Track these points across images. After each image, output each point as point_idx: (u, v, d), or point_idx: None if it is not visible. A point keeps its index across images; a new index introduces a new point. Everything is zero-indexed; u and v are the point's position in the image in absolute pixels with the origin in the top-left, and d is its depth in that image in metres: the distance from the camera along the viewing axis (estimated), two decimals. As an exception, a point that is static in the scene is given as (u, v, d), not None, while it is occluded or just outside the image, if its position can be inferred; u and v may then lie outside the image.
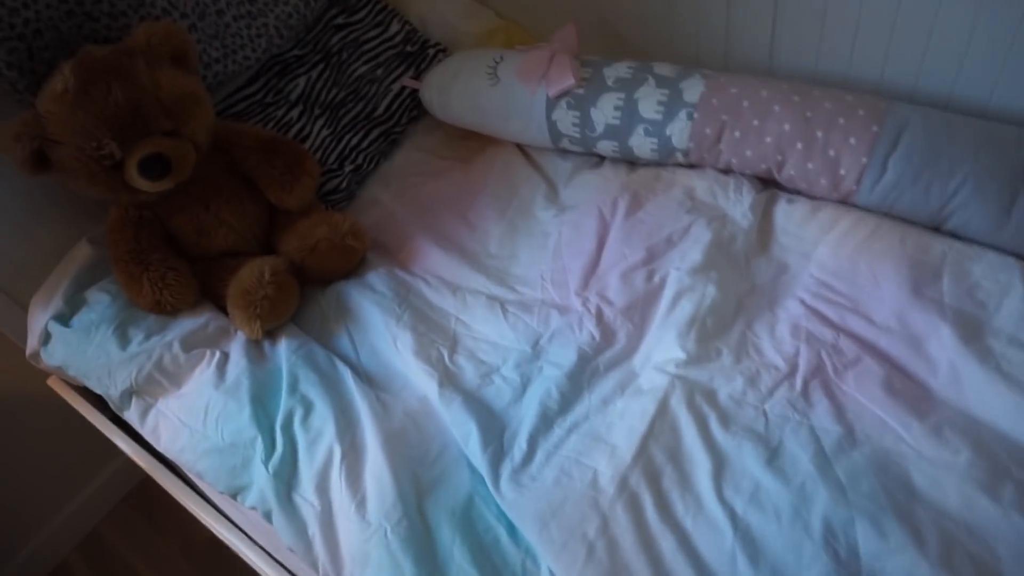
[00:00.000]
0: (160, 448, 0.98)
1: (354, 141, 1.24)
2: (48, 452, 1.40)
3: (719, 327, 0.91)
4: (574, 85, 1.08)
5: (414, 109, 1.30)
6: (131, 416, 1.00)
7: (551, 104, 1.10)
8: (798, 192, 1.04)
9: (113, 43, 0.99)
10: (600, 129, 1.08)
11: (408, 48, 1.30)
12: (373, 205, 1.22)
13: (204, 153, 1.03)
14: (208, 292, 1.08)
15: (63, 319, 1.05)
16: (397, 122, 1.28)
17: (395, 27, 1.30)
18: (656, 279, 0.97)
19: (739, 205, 1.03)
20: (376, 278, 1.08)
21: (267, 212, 1.13)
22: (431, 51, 1.32)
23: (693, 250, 0.98)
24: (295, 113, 1.21)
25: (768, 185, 1.06)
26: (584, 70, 1.10)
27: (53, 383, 1.12)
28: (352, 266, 1.10)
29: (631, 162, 1.14)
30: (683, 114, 1.02)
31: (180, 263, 1.05)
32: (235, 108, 1.18)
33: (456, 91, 1.18)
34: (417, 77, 1.30)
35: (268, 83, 1.20)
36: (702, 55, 1.20)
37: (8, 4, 0.91)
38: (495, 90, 1.14)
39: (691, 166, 1.09)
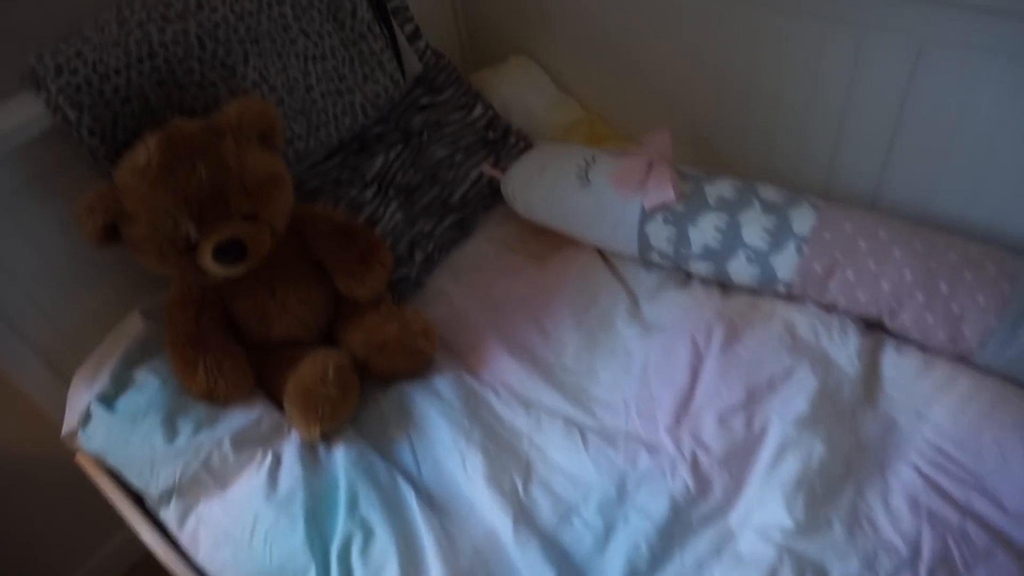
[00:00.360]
0: (198, 559, 0.88)
1: (427, 228, 1.18)
2: (55, 520, 1.30)
3: (828, 492, 0.83)
4: (673, 200, 1.01)
5: (489, 197, 1.24)
6: (168, 517, 0.91)
7: (645, 216, 1.04)
8: (907, 339, 0.96)
9: (200, 113, 0.94)
10: (697, 249, 1.02)
11: (490, 134, 1.25)
12: (441, 298, 1.14)
13: (279, 237, 0.96)
14: (262, 381, 1.00)
15: (107, 399, 0.96)
16: (473, 211, 1.22)
17: (478, 111, 1.25)
18: (756, 426, 0.89)
19: (844, 349, 0.95)
20: (443, 383, 1.00)
21: (333, 300, 1.05)
22: (513, 139, 1.27)
23: (798, 397, 0.90)
24: (369, 193, 1.14)
25: (873, 327, 0.99)
26: (683, 184, 1.04)
27: (83, 461, 1.03)
28: (419, 367, 1.03)
29: (723, 284, 1.07)
30: (791, 246, 0.96)
31: (238, 351, 0.97)
32: (308, 184, 1.12)
33: (542, 189, 1.12)
34: (497, 164, 1.24)
35: (345, 160, 1.14)
36: (802, 176, 1.14)
37: (100, 70, 0.85)
38: (584, 193, 1.08)
39: (790, 297, 1.02)
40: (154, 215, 0.85)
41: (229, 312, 1.00)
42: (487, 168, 1.21)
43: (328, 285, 1.04)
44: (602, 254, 1.16)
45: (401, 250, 1.14)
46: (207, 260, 0.88)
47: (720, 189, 1.02)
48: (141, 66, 0.88)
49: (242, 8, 0.93)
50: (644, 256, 1.09)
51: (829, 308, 1.00)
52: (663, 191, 1.01)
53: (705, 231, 1.00)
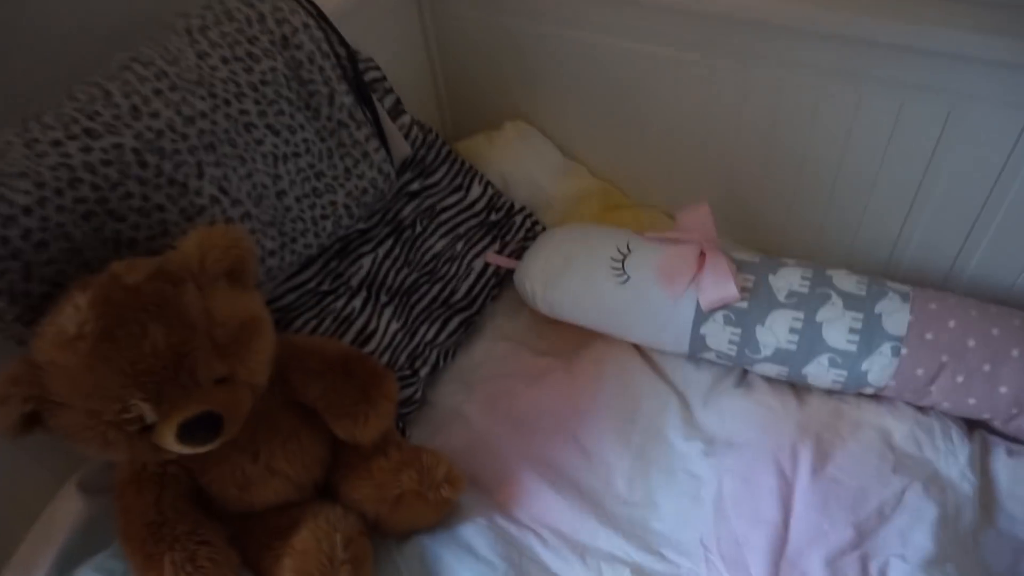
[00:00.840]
0: None
1: (429, 335, 0.98)
2: None
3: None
4: (735, 298, 0.85)
5: (496, 287, 1.06)
6: None
7: (701, 315, 0.87)
8: (1017, 440, 0.82)
9: (144, 247, 0.72)
10: (767, 351, 0.85)
11: (492, 216, 1.06)
12: (455, 420, 0.95)
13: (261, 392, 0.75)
14: (247, 558, 0.79)
15: (44, 623, 0.73)
16: (480, 307, 1.03)
17: (476, 191, 1.06)
18: (873, 570, 0.74)
19: (953, 460, 0.81)
20: (475, 534, 0.82)
21: (330, 447, 0.85)
22: (518, 218, 1.09)
23: (917, 531, 0.75)
24: (358, 303, 0.94)
25: (974, 426, 0.85)
26: (743, 275, 0.87)
27: None
28: (442, 518, 0.83)
29: (792, 384, 0.91)
30: (887, 349, 0.81)
31: (213, 533, 0.75)
32: (283, 300, 0.91)
33: (571, 287, 0.94)
34: (503, 250, 1.05)
35: (326, 266, 0.94)
36: (860, 254, 0.99)
37: (3, 212, 0.63)
38: (623, 291, 0.91)
39: (876, 397, 0.87)
40: (93, 400, 0.62)
41: (198, 484, 0.78)
42: (494, 257, 1.03)
43: (322, 431, 0.83)
44: (638, 348, 0.99)
45: (403, 367, 0.95)
46: (170, 441, 0.66)
47: (788, 280, 0.86)
48: (61, 198, 0.65)
49: (192, 109, 0.71)
50: (696, 355, 0.93)
51: (925, 408, 0.85)
52: (722, 287, 0.85)
53: (777, 332, 0.84)
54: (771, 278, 0.86)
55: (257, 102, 0.76)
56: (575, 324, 0.97)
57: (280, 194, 0.82)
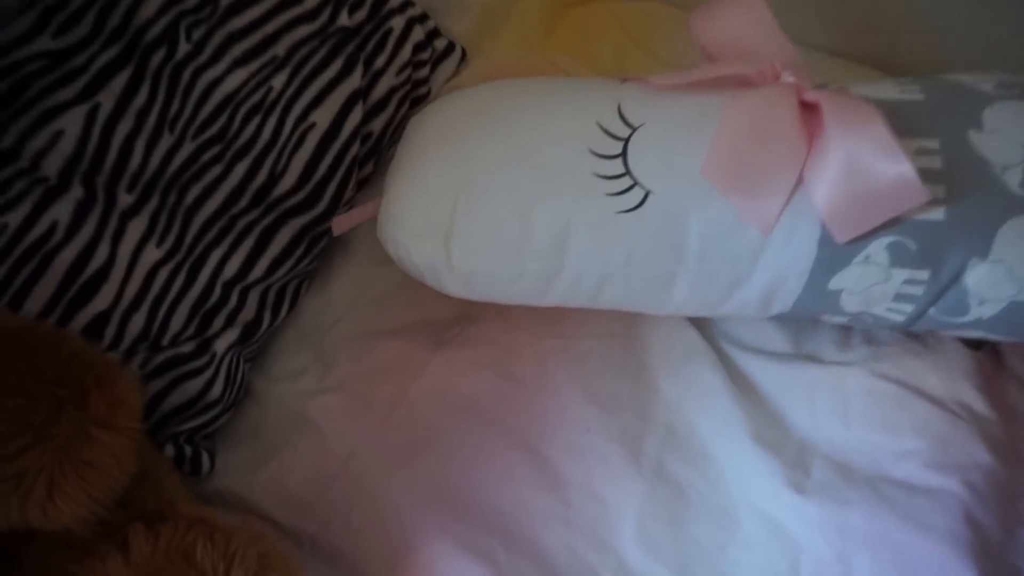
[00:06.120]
0: None
1: (232, 266, 0.52)
2: None
3: None
4: (922, 199, 0.39)
5: (368, 158, 0.59)
6: None
7: (832, 254, 0.42)
8: None
9: None
10: (991, 308, 0.42)
11: (342, 19, 0.57)
12: (296, 429, 0.53)
13: None
14: None
15: None
16: (333, 202, 0.56)
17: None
18: None
19: None
20: None
21: None
22: (397, 23, 0.60)
23: None
24: (64, 211, 0.47)
25: None
26: (919, 144, 0.41)
27: None
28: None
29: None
30: None
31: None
32: None
33: (502, 239, 0.45)
34: (371, 108, 0.57)
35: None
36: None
37: None
38: (634, 226, 0.43)
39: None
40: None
41: None
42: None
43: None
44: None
45: (177, 337, 0.50)
46: None
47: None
48: None
49: None
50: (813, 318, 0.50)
51: None
52: (887, 179, 0.38)
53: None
54: (975, 137, 0.40)
55: None
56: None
57: None
